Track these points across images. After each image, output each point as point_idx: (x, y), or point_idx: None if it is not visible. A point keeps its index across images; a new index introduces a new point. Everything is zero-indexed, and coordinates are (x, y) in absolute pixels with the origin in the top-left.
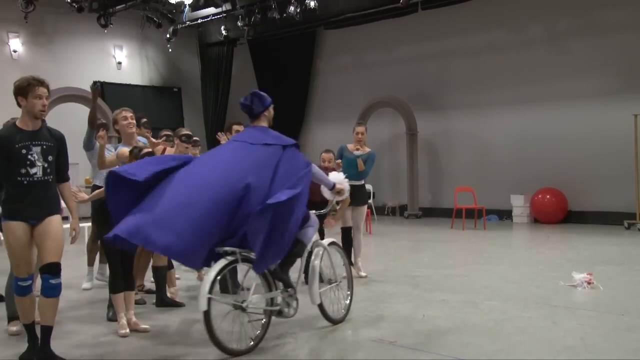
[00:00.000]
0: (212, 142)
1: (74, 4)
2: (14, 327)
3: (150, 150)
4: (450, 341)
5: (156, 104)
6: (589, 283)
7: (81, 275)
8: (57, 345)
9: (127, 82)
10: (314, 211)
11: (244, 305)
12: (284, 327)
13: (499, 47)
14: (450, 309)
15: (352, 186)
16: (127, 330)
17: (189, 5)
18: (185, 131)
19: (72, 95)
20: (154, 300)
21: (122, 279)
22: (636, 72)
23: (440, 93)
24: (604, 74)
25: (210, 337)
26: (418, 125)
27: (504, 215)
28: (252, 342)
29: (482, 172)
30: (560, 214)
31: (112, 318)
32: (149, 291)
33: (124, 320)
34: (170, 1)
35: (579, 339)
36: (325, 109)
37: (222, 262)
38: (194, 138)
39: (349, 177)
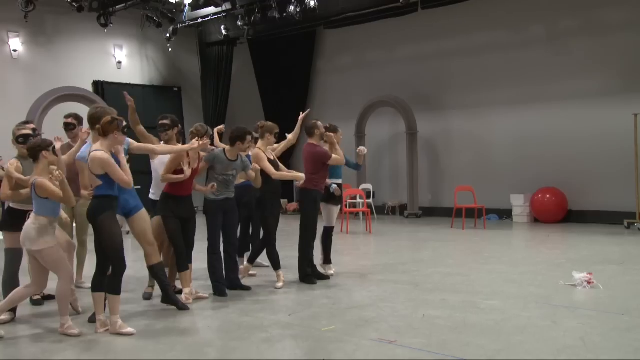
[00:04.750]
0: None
1: (74, 4)
2: (3, 317)
3: None
4: (450, 341)
5: (156, 104)
6: (589, 283)
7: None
8: (54, 344)
9: (127, 82)
10: None
11: None
12: (284, 327)
13: (499, 47)
14: (450, 309)
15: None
16: (104, 330)
17: (189, 4)
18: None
19: (72, 95)
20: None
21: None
22: (636, 72)
23: (440, 93)
24: (604, 74)
25: None
26: (418, 125)
27: (504, 214)
28: None
29: (482, 171)
30: (560, 213)
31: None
32: (180, 292)
33: (102, 317)
34: (170, 0)
35: (579, 338)
36: (325, 109)
37: None
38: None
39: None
